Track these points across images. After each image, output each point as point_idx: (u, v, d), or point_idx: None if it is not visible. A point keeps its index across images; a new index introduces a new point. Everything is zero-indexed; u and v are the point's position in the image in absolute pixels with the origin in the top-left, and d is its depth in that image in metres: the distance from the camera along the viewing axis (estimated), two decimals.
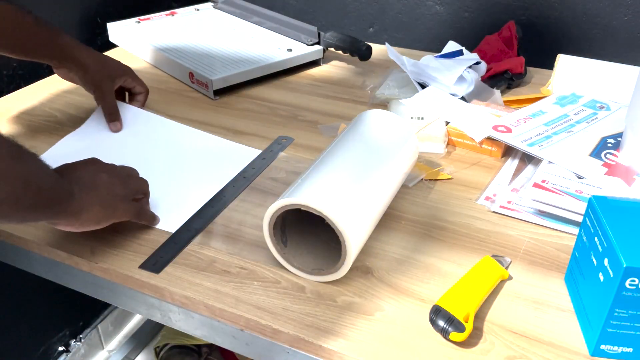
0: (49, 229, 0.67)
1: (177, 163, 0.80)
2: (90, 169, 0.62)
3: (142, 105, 0.94)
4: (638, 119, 0.73)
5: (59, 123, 0.91)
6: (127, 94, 0.94)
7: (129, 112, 0.91)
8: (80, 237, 0.65)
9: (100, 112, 0.89)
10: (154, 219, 0.68)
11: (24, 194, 0.49)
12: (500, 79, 1.00)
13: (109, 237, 0.66)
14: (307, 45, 1.11)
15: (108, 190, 0.61)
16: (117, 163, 0.66)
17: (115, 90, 0.89)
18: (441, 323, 0.52)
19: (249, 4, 1.29)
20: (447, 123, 0.85)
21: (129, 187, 0.64)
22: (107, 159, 0.66)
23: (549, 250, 0.64)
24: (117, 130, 0.88)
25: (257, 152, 0.82)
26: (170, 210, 0.70)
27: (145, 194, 0.68)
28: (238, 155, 0.81)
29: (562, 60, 0.99)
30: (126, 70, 0.91)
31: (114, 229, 0.66)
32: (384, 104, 0.95)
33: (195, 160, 0.81)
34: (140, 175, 0.68)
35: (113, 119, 0.88)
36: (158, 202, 0.70)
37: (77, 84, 0.89)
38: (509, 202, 0.70)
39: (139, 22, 1.23)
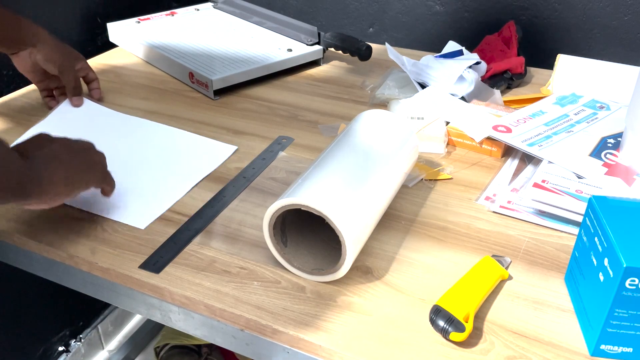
0: (48, 228, 0.67)
1: (147, 158, 0.80)
2: (44, 143, 0.61)
3: (101, 93, 0.97)
4: (638, 119, 0.73)
5: None
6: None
7: (100, 112, 0.92)
8: (80, 237, 0.65)
9: (64, 106, 0.91)
10: (114, 184, 0.68)
11: None
12: (500, 79, 1.00)
13: (109, 237, 0.66)
14: (307, 45, 1.11)
15: (69, 161, 0.61)
16: None
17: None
18: (441, 323, 0.52)
19: (249, 4, 1.29)
20: (447, 123, 0.85)
21: (88, 158, 0.64)
22: None
23: (549, 250, 0.64)
24: (79, 104, 0.91)
25: (233, 148, 0.83)
26: (141, 207, 0.70)
27: (104, 166, 0.67)
28: (213, 152, 0.82)
29: (562, 60, 0.99)
30: (81, 56, 0.94)
31: (113, 228, 0.66)
32: (384, 104, 0.95)
33: (166, 157, 0.81)
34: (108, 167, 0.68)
35: (77, 93, 0.91)
36: (128, 197, 0.71)
37: (35, 70, 0.90)
38: (509, 202, 0.70)
39: (139, 22, 1.23)
